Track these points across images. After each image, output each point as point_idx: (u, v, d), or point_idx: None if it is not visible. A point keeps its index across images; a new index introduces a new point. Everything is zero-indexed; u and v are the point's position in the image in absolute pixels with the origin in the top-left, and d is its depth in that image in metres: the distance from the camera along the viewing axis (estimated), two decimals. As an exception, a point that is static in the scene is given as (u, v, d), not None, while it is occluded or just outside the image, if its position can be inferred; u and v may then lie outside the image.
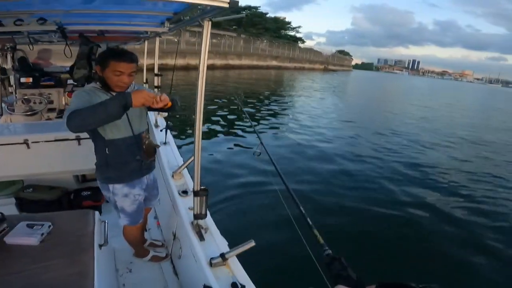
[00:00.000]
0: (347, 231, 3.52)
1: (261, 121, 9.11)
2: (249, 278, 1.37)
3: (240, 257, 1.46)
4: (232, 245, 1.51)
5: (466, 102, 26.61)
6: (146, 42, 3.32)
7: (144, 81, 3.84)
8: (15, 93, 3.75)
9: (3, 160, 2.39)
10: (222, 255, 1.42)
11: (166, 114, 3.36)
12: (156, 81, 3.37)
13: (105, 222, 1.62)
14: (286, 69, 41.81)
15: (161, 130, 3.03)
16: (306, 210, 1.35)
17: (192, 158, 1.64)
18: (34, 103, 3.67)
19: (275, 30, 44.09)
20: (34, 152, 2.43)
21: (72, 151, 2.54)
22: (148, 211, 2.11)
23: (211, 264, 1.42)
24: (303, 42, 55.63)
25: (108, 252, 1.79)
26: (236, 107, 10.90)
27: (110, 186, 1.66)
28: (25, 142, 2.39)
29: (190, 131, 6.59)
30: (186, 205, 1.87)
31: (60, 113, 3.79)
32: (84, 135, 2.45)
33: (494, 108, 23.56)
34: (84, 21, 2.02)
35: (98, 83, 1.54)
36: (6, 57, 3.78)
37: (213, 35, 27.94)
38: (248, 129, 7.68)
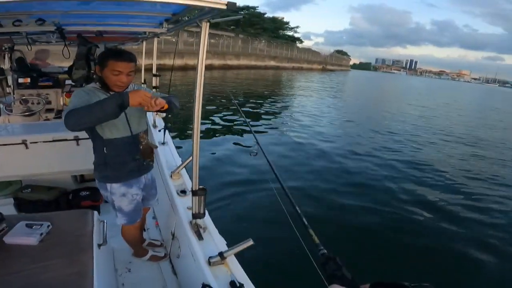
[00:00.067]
0: (345, 229, 3.55)
1: (259, 121, 9.13)
2: (247, 277, 1.38)
3: (238, 256, 1.48)
4: (230, 244, 1.52)
5: (464, 102, 26.74)
6: (144, 43, 3.32)
7: (142, 81, 3.84)
8: (13, 94, 3.75)
9: (1, 160, 2.39)
10: (221, 254, 1.43)
11: (164, 114, 3.37)
12: (154, 81, 3.38)
13: (104, 222, 1.63)
14: (284, 69, 41.86)
15: (159, 131, 3.03)
16: (302, 208, 1.37)
17: (191, 158, 1.65)
18: (32, 103, 3.66)
19: (273, 30, 44.08)
20: (32, 153, 2.43)
21: (71, 152, 2.54)
22: (147, 210, 2.12)
23: (209, 263, 1.43)
24: (301, 42, 55.71)
25: (107, 252, 1.79)
26: (234, 107, 10.92)
27: (108, 185, 1.67)
28: (24, 143, 2.39)
29: (188, 131, 6.59)
30: (185, 205, 1.88)
31: (58, 113, 3.79)
32: (83, 135, 2.47)
33: (491, 108, 23.68)
34: (83, 21, 2.02)
35: (97, 83, 1.55)
36: (4, 57, 3.77)
37: (211, 35, 27.92)
38: (246, 129, 7.70)
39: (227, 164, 5.26)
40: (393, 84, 49.20)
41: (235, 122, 8.62)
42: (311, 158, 6.12)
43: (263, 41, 39.17)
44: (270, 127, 8.62)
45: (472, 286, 2.95)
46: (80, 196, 2.64)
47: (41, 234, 1.35)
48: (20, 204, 2.50)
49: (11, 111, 3.58)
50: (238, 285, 1.30)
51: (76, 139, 2.54)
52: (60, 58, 2.55)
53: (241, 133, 7.49)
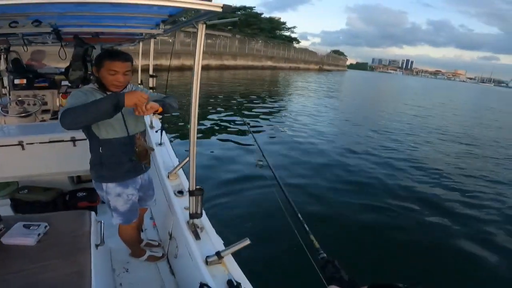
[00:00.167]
0: (345, 229, 3.56)
1: (257, 121, 9.13)
2: (244, 276, 1.40)
3: (236, 255, 1.49)
4: (227, 244, 1.54)
5: (459, 102, 26.92)
6: (141, 44, 3.32)
7: (139, 82, 3.85)
8: (9, 95, 3.73)
9: None
10: (218, 254, 1.44)
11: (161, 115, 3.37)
12: (151, 82, 3.39)
13: (101, 222, 1.64)
14: (281, 69, 41.90)
15: (156, 131, 3.04)
16: (301, 208, 1.39)
17: (187, 158, 1.66)
18: (28, 104, 3.65)
19: (270, 30, 44.09)
20: (29, 154, 2.43)
21: (67, 153, 2.54)
22: (144, 211, 2.13)
23: (207, 263, 1.44)
24: (298, 42, 55.73)
25: (104, 252, 1.80)
26: (231, 108, 10.92)
27: (104, 185, 1.68)
28: (20, 144, 2.38)
29: (186, 132, 6.58)
30: (182, 205, 1.89)
31: (55, 114, 3.78)
32: (79, 136, 2.47)
33: (486, 108, 23.86)
34: (79, 23, 2.02)
35: (95, 84, 1.57)
36: (0, 58, 3.75)
37: (208, 36, 27.87)
38: (242, 129, 7.71)
39: (224, 164, 5.26)
40: (389, 84, 49.43)
41: (232, 123, 8.63)
42: (309, 157, 6.15)
43: (260, 41, 39.18)
44: (268, 127, 8.63)
45: (471, 284, 2.97)
46: (77, 197, 2.63)
47: (39, 234, 1.36)
48: (17, 205, 2.49)
49: (7, 112, 3.57)
50: (235, 284, 1.32)
51: (73, 140, 2.53)
52: (56, 59, 2.54)
53: (238, 133, 7.50)
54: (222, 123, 8.44)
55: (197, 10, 1.10)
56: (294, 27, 53.14)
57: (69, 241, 1.39)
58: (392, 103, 19.46)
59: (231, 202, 3.90)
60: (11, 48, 3.57)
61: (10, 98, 3.68)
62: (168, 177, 2.27)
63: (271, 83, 24.05)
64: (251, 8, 43.02)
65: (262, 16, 44.05)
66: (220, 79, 21.73)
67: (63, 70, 3.72)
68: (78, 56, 2.80)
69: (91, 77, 2.90)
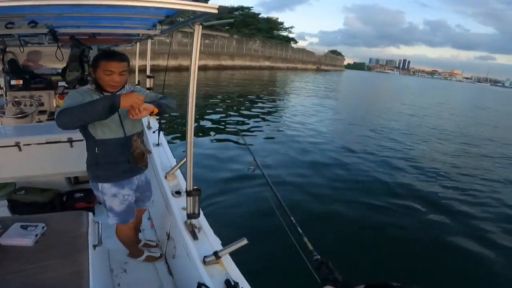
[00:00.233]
0: (339, 229, 3.58)
1: (254, 121, 9.14)
2: (242, 276, 1.41)
3: (233, 255, 1.50)
4: (225, 244, 1.54)
5: (456, 102, 27.07)
6: (138, 44, 3.32)
7: (136, 82, 3.84)
8: (6, 96, 3.71)
9: None
10: (216, 253, 1.45)
11: (158, 116, 3.37)
12: (148, 83, 3.39)
13: (98, 223, 1.64)
14: (279, 70, 41.93)
15: (153, 132, 3.04)
16: (295, 209, 1.40)
17: (185, 159, 1.67)
18: (25, 105, 3.64)
19: (268, 30, 44.10)
20: (25, 155, 2.42)
21: (64, 153, 2.54)
22: (142, 212, 2.12)
23: (204, 263, 1.45)
24: (296, 42, 55.79)
25: (102, 252, 1.80)
26: (229, 108, 10.93)
27: (100, 185, 1.68)
28: (17, 145, 2.38)
29: (183, 132, 6.58)
30: (180, 205, 1.89)
31: (51, 115, 3.77)
32: (76, 137, 2.47)
33: (483, 107, 24.01)
34: (76, 24, 2.02)
35: (92, 85, 1.57)
36: (-4, 59, 3.73)
37: (205, 36, 27.83)
38: (239, 129, 7.73)
39: (221, 164, 5.27)
40: (387, 84, 49.62)
41: (229, 123, 8.64)
42: (306, 157, 6.17)
43: (258, 41, 39.18)
44: (266, 127, 8.64)
45: (468, 282, 2.99)
46: (74, 198, 2.63)
47: (36, 235, 1.36)
48: (14, 206, 2.49)
49: (4, 113, 3.55)
50: (233, 283, 1.32)
51: (70, 141, 2.53)
52: (52, 59, 2.54)
53: (236, 133, 7.51)
54: (220, 124, 8.44)
55: (193, 11, 1.11)
56: (291, 27, 53.10)
57: (67, 241, 1.40)
58: (390, 103, 19.55)
59: (227, 203, 3.90)
60: (8, 49, 3.56)
61: (6, 99, 3.67)
62: (166, 177, 2.27)
63: (269, 83, 24.07)
64: (248, 8, 43.04)
65: (260, 16, 44.11)
66: (218, 79, 21.72)
67: (59, 70, 3.71)
68: (75, 57, 2.80)
69: (88, 78, 2.89)
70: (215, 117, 9.14)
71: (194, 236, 1.64)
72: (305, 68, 52.47)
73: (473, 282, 2.99)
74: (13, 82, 3.64)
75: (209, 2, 1.09)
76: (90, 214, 1.67)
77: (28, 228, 1.39)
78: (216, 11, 1.05)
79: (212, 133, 7.40)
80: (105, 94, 1.55)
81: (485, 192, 5.25)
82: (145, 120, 3.29)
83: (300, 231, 1.27)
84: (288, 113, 11.32)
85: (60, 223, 1.52)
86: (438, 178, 5.70)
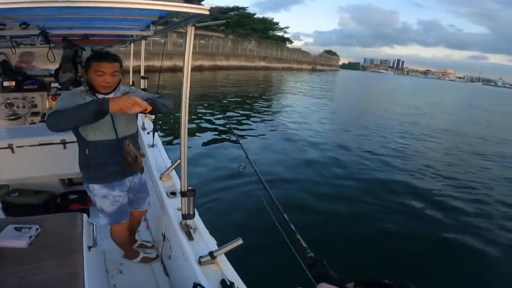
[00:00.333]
0: (332, 228, 3.59)
1: (247, 121, 9.15)
2: (237, 275, 1.41)
3: (228, 255, 1.50)
4: (221, 244, 1.55)
5: (450, 101, 27.34)
6: (132, 45, 3.31)
7: (131, 83, 3.83)
8: (-2, 97, 3.67)
9: None
10: (211, 254, 1.46)
11: (153, 116, 3.36)
12: (143, 83, 3.38)
13: (93, 224, 1.64)
14: (274, 70, 41.98)
15: (148, 133, 3.03)
16: (288, 208, 1.41)
17: (179, 160, 1.67)
18: (18, 107, 3.60)
19: (263, 30, 44.13)
20: (19, 157, 2.41)
21: (58, 155, 2.53)
22: (140, 214, 2.10)
23: (200, 263, 1.45)
24: (291, 42, 55.89)
25: (97, 253, 1.80)
26: (225, 109, 10.92)
27: (90, 186, 1.69)
28: (10, 147, 2.36)
29: (178, 133, 6.53)
30: (175, 206, 1.90)
31: (44, 117, 3.73)
32: (69, 139, 2.46)
33: (477, 107, 24.29)
34: (68, 25, 2.01)
35: (86, 86, 1.58)
36: (-12, 61, 3.69)
37: (200, 36, 27.73)
38: (232, 127, 7.73)
39: (217, 164, 5.26)
40: (381, 84, 49.95)
41: (225, 123, 8.64)
42: (300, 155, 6.21)
43: (253, 41, 39.17)
44: (259, 127, 8.66)
45: (464, 279, 3.02)
46: (68, 200, 2.62)
47: (30, 237, 1.36)
48: (8, 208, 2.46)
49: (-4, 115, 3.52)
50: (228, 283, 1.33)
51: (63, 142, 2.52)
52: (45, 60, 2.52)
53: (229, 132, 7.51)
54: (214, 124, 8.43)
55: (186, 13, 1.11)
56: (287, 27, 53.23)
57: (61, 243, 1.39)
58: (385, 102, 19.73)
59: (221, 201, 3.92)
60: (-1, 50, 3.52)
61: (-1, 101, 3.63)
62: (161, 178, 2.27)
63: (264, 84, 24.08)
64: (244, 8, 43.04)
65: (255, 16, 44.14)
66: (213, 80, 21.68)
67: (52, 72, 3.68)
68: (68, 58, 2.78)
69: (81, 79, 2.87)
70: (210, 117, 9.13)
71: (190, 237, 1.64)
72: (300, 68, 52.59)
73: (469, 278, 3.02)
74: (5, 83, 3.60)
75: (204, 2, 1.09)
76: (85, 215, 1.67)
77: (22, 230, 1.38)
78: (207, 13, 1.05)
79: (207, 133, 7.39)
80: (98, 95, 1.56)
81: (479, 189, 5.33)
82: (139, 121, 3.28)
83: (293, 228, 1.28)
84: (282, 113, 11.34)
85: (54, 224, 1.52)
86: (432, 175, 5.78)
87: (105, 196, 1.71)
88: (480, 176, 6.11)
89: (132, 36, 2.59)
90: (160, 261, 2.12)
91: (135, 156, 1.57)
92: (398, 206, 4.32)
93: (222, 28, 32.46)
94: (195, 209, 1.71)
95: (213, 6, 1.05)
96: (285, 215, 1.39)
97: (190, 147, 5.86)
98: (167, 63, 21.76)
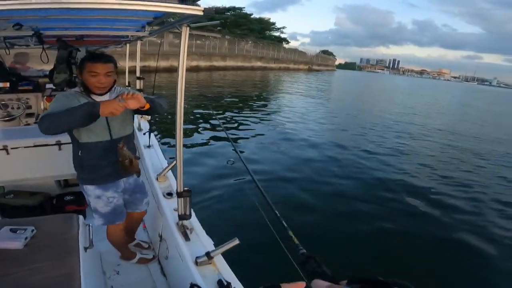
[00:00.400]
0: (324, 228, 3.58)
1: (243, 121, 9.14)
2: (234, 276, 1.42)
3: (225, 255, 1.51)
4: (218, 244, 1.55)
5: (444, 101, 27.55)
6: (128, 45, 3.30)
7: (127, 84, 3.81)
8: (-8, 99, 3.63)
9: None
10: (208, 254, 1.46)
11: (149, 117, 3.35)
12: (138, 84, 3.36)
13: (89, 226, 1.63)
14: (271, 70, 42.02)
15: (144, 134, 3.02)
16: (280, 207, 1.41)
17: (175, 161, 1.67)
18: (12, 108, 3.57)
19: (260, 31, 44.17)
20: (13, 158, 2.39)
21: (53, 156, 2.51)
22: (139, 215, 2.07)
23: (196, 263, 1.45)
24: (288, 42, 56.04)
25: (93, 254, 1.79)
26: (222, 109, 10.92)
27: (84, 186, 1.70)
28: (4, 148, 2.35)
29: (174, 133, 6.51)
30: (171, 207, 1.90)
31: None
32: (64, 140, 2.45)
33: (471, 106, 24.50)
34: (62, 26, 2.00)
35: (81, 87, 1.57)
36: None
37: (197, 37, 27.67)
38: (226, 126, 7.74)
39: (214, 164, 5.25)
40: (377, 84, 50.17)
41: (221, 123, 8.63)
42: (295, 154, 6.23)
43: (250, 42, 39.16)
44: (257, 127, 8.66)
45: (463, 275, 3.05)
46: (64, 201, 2.61)
47: (26, 238, 1.36)
48: (3, 209, 2.44)
49: (-10, 116, 3.48)
50: (225, 284, 1.33)
51: (58, 144, 2.50)
52: (40, 61, 2.50)
53: (222, 130, 7.49)
54: (210, 123, 8.41)
55: (180, 14, 1.12)
56: (283, 28, 53.26)
57: (57, 244, 1.39)
58: (381, 102, 19.83)
59: (216, 201, 3.91)
60: (-7, 51, 3.49)
61: (-7, 102, 3.59)
62: (157, 179, 2.27)
63: (261, 84, 24.10)
64: (240, 8, 43.02)
65: (252, 16, 44.14)
66: (210, 80, 21.65)
67: (47, 72, 3.65)
68: (62, 59, 2.76)
69: (76, 80, 2.85)
70: (206, 117, 9.11)
71: (186, 237, 1.65)
72: (297, 68, 52.68)
73: (466, 276, 3.04)
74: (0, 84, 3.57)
75: (201, 2, 1.09)
76: (81, 216, 1.66)
77: (18, 231, 1.39)
78: (201, 13, 1.06)
79: (203, 133, 7.39)
80: (93, 96, 1.56)
81: (474, 188, 5.39)
82: (135, 122, 3.27)
83: (285, 225, 1.28)
84: (279, 113, 11.36)
85: (50, 226, 1.52)
86: (427, 174, 5.84)
87: (98, 197, 1.71)
88: (475, 174, 6.18)
89: (127, 36, 2.58)
90: (157, 261, 2.12)
91: (130, 160, 1.57)
92: (393, 204, 4.35)
93: (218, 28, 32.42)
94: (192, 209, 1.71)
95: (208, 7, 1.05)
96: (276, 212, 1.39)
97: (186, 147, 5.85)
98: (163, 63, 21.68)
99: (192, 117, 8.90)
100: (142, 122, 3.38)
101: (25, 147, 2.41)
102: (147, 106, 1.51)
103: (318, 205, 4.11)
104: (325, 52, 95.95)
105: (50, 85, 3.58)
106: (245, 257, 2.54)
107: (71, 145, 1.65)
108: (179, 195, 1.61)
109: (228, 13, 39.81)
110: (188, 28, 1.28)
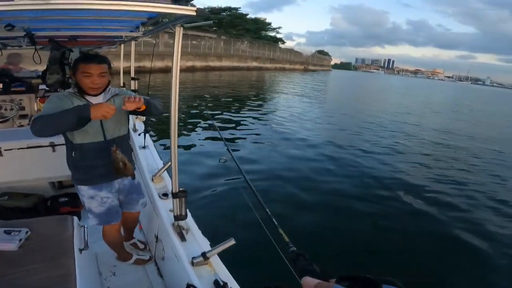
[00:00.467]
0: (320, 226, 3.60)
1: (241, 122, 9.14)
2: (230, 275, 1.42)
3: (221, 255, 1.51)
4: (214, 244, 1.55)
5: (438, 100, 27.82)
6: (122, 46, 3.28)
7: (121, 84, 3.79)
8: (-16, 100, 3.59)
9: None
10: (204, 254, 1.46)
11: (144, 118, 3.34)
12: (133, 84, 3.35)
13: (84, 227, 1.62)
14: (267, 70, 42.06)
15: (139, 134, 3.01)
16: (271, 205, 1.41)
17: (170, 162, 1.67)
18: (5, 109, 3.53)
19: (256, 31, 44.12)
20: (7, 160, 2.37)
21: (47, 158, 2.50)
22: (134, 215, 2.07)
23: (193, 264, 1.46)
24: (284, 42, 56.06)
25: (89, 256, 1.78)
26: (217, 108, 10.90)
27: (78, 187, 1.69)
28: None
29: (169, 134, 6.48)
30: (167, 207, 1.90)
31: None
32: (58, 141, 2.43)
33: (465, 105, 24.75)
34: (54, 26, 1.98)
35: (75, 88, 1.56)
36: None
37: (192, 37, 27.57)
38: (219, 126, 7.72)
39: (210, 164, 5.24)
40: (372, 84, 50.47)
41: (216, 122, 8.62)
42: (290, 153, 6.27)
43: (246, 42, 39.12)
44: (252, 127, 8.66)
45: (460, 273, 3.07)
46: (59, 202, 2.59)
47: (20, 240, 1.36)
48: (-3, 211, 2.42)
49: (-17, 118, 3.44)
50: (221, 284, 1.34)
51: (52, 145, 2.49)
52: (33, 62, 2.48)
53: (216, 129, 7.48)
54: (207, 124, 8.40)
55: (173, 14, 1.12)
56: (279, 28, 53.25)
57: (52, 246, 1.38)
58: (376, 101, 19.96)
59: (211, 200, 3.92)
60: (-15, 52, 3.44)
61: (-15, 104, 3.55)
62: (153, 180, 2.26)
63: (257, 84, 24.10)
64: (236, 9, 42.97)
65: (248, 16, 44.11)
66: (205, 80, 21.60)
67: (40, 73, 3.62)
68: (55, 60, 2.74)
69: (70, 80, 2.83)
70: (201, 118, 9.09)
71: (182, 238, 1.65)
72: (293, 69, 52.77)
73: (463, 274, 3.06)
74: (-8, 86, 3.53)
75: (197, 2, 1.10)
76: (75, 218, 1.66)
77: (12, 233, 1.38)
78: (194, 13, 1.06)
79: (198, 133, 7.38)
80: (87, 97, 1.55)
81: (468, 185, 5.45)
82: (130, 123, 3.25)
83: (276, 222, 1.29)
84: (275, 112, 11.38)
85: (44, 227, 1.51)
86: (422, 172, 5.89)
87: (92, 197, 1.70)
88: (469, 172, 6.26)
89: (121, 37, 2.57)
90: (154, 262, 2.11)
91: (123, 163, 1.57)
92: (388, 202, 4.39)
93: (214, 28, 32.35)
94: (187, 209, 1.71)
95: (201, 7, 1.05)
96: (267, 210, 1.39)
97: (182, 148, 5.84)
98: (158, 63, 21.58)
99: (187, 117, 8.88)
100: (137, 122, 3.37)
101: (18, 148, 2.39)
102: (143, 107, 1.51)
103: (314, 204, 4.13)
104: (320, 52, 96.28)
105: (43, 86, 3.55)
106: (240, 256, 2.54)
107: (65, 146, 1.65)
108: (175, 195, 1.61)
109: (223, 13, 39.74)
110: (181, 28, 1.29)
